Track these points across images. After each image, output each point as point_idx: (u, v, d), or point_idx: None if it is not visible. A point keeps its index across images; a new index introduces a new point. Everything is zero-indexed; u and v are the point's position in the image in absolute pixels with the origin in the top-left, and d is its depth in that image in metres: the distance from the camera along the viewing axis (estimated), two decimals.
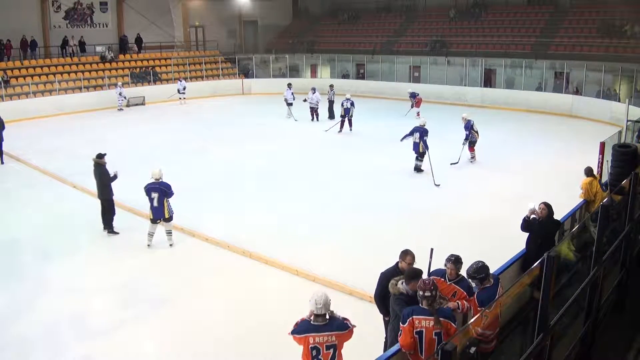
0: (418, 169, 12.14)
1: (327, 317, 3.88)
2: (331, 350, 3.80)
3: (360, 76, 26.64)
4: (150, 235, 8.29)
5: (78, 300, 6.73)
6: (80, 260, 7.92)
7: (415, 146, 11.98)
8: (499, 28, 24.10)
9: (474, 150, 12.98)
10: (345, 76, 26.85)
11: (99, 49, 24.55)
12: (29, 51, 22.47)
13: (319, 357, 3.81)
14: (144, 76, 24.48)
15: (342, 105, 16.70)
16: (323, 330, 3.83)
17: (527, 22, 23.63)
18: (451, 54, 24.12)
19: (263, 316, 6.30)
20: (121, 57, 25.07)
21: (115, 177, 8.78)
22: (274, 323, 6.14)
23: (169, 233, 8.31)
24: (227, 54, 28.27)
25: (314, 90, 18.72)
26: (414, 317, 3.80)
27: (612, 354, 4.67)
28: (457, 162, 12.74)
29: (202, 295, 6.90)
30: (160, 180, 8.13)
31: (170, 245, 8.29)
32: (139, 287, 7.11)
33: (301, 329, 3.92)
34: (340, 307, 6.34)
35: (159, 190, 8.04)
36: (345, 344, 3.99)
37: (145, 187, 8.16)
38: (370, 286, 5.77)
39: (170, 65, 25.52)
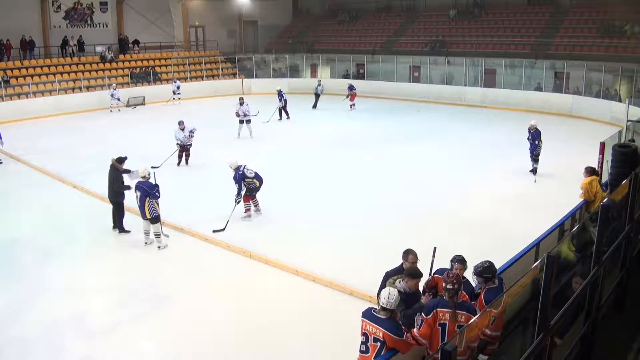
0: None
1: (390, 315, 3.93)
2: (378, 344, 3.87)
3: (360, 76, 26.65)
4: (146, 233, 8.29)
5: (78, 300, 6.73)
6: (80, 260, 7.91)
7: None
8: (499, 28, 24.09)
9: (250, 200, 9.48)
10: (345, 76, 26.84)
11: (98, 49, 24.56)
12: (28, 51, 22.47)
13: (367, 344, 3.94)
14: (144, 76, 24.48)
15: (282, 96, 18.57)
16: (376, 322, 3.93)
17: (527, 22, 23.63)
18: (451, 54, 24.11)
19: (263, 316, 6.30)
20: (121, 57, 25.07)
21: (128, 187, 8.71)
22: (274, 323, 6.17)
23: (156, 235, 8.21)
24: (227, 54, 28.27)
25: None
26: (438, 309, 3.88)
27: (612, 354, 4.67)
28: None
29: (202, 295, 6.90)
30: (147, 179, 8.08)
31: (159, 247, 8.19)
32: (139, 286, 7.11)
33: (365, 312, 4.06)
34: (341, 307, 6.43)
35: (141, 190, 8.01)
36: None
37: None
38: (370, 286, 5.78)
39: (170, 65, 25.52)
